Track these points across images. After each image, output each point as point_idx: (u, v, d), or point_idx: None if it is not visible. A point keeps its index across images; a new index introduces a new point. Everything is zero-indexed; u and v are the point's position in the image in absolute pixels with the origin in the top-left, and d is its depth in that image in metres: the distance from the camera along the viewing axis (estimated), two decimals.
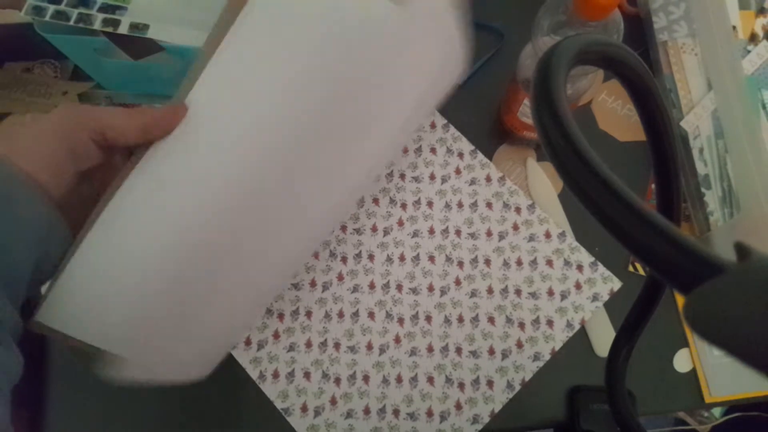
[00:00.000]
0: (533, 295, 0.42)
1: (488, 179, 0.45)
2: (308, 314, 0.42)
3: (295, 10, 0.29)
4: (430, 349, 0.41)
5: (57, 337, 0.27)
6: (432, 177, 0.45)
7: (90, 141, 0.27)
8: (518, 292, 0.42)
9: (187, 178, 0.28)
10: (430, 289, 0.42)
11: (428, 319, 0.42)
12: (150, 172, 0.28)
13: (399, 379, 0.41)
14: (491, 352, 0.41)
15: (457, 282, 0.43)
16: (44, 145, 0.25)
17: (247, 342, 0.41)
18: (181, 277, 0.29)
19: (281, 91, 0.29)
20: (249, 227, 0.30)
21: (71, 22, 0.38)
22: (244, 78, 0.29)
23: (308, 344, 0.41)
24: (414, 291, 0.42)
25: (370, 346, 0.41)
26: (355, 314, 0.42)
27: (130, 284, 0.28)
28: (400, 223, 0.44)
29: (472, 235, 0.43)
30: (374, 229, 0.44)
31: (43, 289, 0.27)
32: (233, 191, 0.29)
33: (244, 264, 0.32)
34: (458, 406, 0.40)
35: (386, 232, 0.44)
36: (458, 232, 0.44)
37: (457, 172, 0.45)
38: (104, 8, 0.38)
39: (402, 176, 0.45)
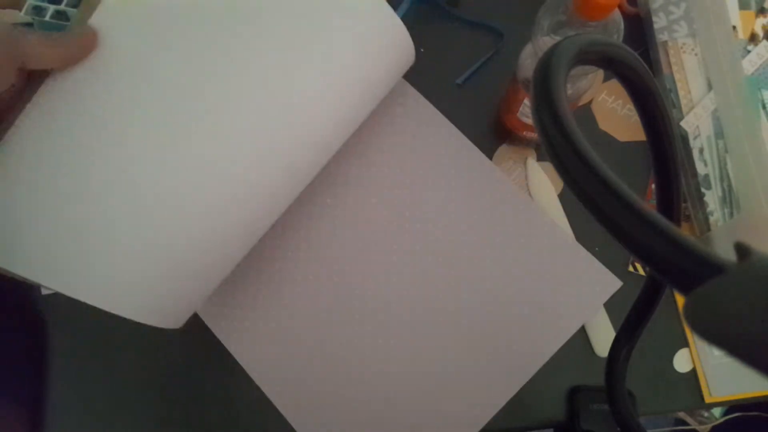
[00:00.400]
0: (533, 295, 0.42)
1: (487, 178, 0.45)
2: (306, 315, 0.42)
3: None
4: (429, 349, 0.41)
5: None
6: (431, 177, 0.45)
7: (10, 68, 0.27)
8: (518, 291, 0.42)
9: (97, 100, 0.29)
10: (429, 287, 0.42)
11: (427, 318, 0.42)
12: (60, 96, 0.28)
13: (398, 379, 0.41)
14: (490, 351, 0.41)
15: (456, 281, 0.42)
16: None
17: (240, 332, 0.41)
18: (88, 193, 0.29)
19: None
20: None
21: (71, 22, 0.38)
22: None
23: (307, 350, 0.41)
24: (411, 291, 0.42)
25: (368, 345, 0.41)
26: (354, 313, 0.42)
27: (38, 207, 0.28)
28: (398, 221, 0.44)
29: (472, 235, 0.43)
30: (370, 227, 0.44)
31: None
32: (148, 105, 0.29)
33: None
34: (458, 406, 0.40)
35: (384, 232, 0.44)
36: (457, 231, 0.43)
37: (457, 171, 0.45)
38: None
39: (400, 176, 0.45)
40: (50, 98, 0.29)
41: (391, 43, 0.36)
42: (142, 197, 0.29)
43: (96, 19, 0.29)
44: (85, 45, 0.29)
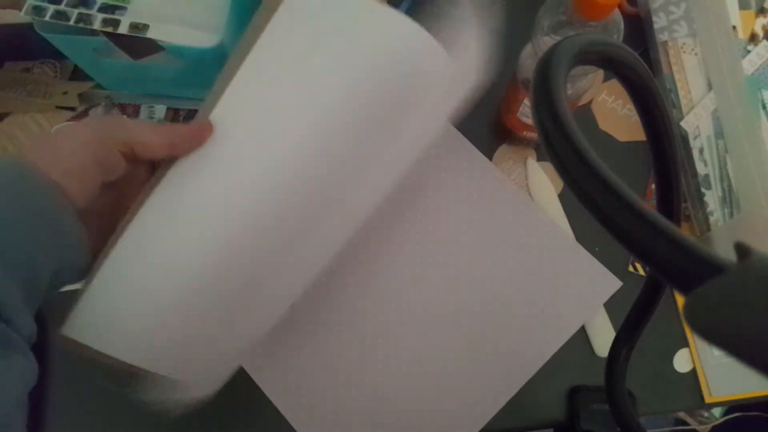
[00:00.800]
0: (533, 295, 0.42)
1: (488, 179, 0.45)
2: (306, 315, 0.42)
3: (335, 22, 0.29)
4: (429, 349, 0.41)
5: (82, 351, 0.27)
6: (431, 176, 0.45)
7: (118, 154, 0.27)
8: (518, 291, 0.42)
9: (212, 193, 0.29)
10: (429, 287, 0.42)
11: (426, 318, 0.42)
12: (176, 186, 0.28)
13: (398, 379, 0.41)
14: (491, 351, 0.41)
15: (456, 281, 0.42)
16: (75, 157, 0.26)
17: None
18: (208, 290, 0.29)
19: (309, 113, 0.29)
20: (270, 243, 0.30)
21: (71, 22, 0.38)
22: (270, 96, 0.29)
23: (309, 352, 0.42)
24: (412, 291, 0.42)
25: (368, 345, 0.41)
26: (354, 313, 0.42)
27: (156, 298, 0.28)
28: (399, 223, 0.44)
29: (472, 235, 0.43)
30: (370, 227, 0.44)
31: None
32: (257, 209, 0.29)
33: (268, 277, 0.32)
34: (458, 407, 0.40)
35: (384, 232, 0.44)
36: (458, 232, 0.43)
37: (457, 171, 0.45)
38: (104, 8, 0.38)
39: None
40: (164, 186, 0.29)
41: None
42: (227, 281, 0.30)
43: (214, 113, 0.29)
44: (194, 136, 0.29)
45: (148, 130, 0.28)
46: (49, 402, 0.41)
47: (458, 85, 0.35)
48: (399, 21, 0.32)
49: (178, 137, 0.28)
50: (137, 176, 0.30)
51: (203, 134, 0.29)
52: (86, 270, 0.28)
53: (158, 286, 0.28)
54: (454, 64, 0.34)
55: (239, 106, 0.29)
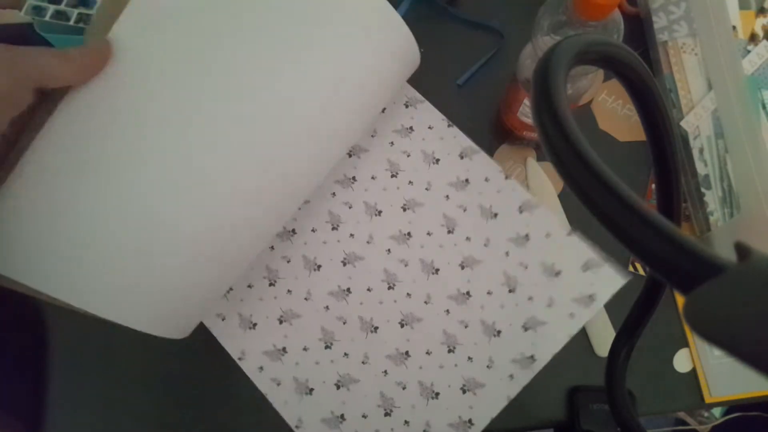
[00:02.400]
0: (535, 293, 0.42)
1: (489, 177, 0.45)
2: (305, 313, 0.42)
3: None
4: (428, 350, 0.41)
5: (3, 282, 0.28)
6: (431, 176, 0.45)
7: (26, 88, 0.27)
8: (519, 290, 0.42)
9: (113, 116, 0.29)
10: (429, 287, 0.42)
11: (427, 318, 0.42)
12: (79, 113, 0.28)
13: (398, 380, 0.41)
14: (489, 352, 0.41)
15: (457, 281, 0.42)
16: None
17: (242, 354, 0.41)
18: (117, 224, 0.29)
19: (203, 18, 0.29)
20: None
21: (71, 22, 0.38)
22: (166, 11, 0.29)
23: (305, 348, 0.42)
24: (412, 290, 0.42)
25: (366, 344, 0.41)
26: (353, 311, 0.42)
27: (64, 226, 0.28)
28: (399, 222, 0.44)
29: (472, 234, 0.43)
30: (370, 228, 0.44)
31: None
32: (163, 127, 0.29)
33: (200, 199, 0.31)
34: (458, 407, 0.40)
35: (385, 231, 0.44)
36: (458, 231, 0.43)
37: (457, 170, 0.45)
38: None
39: (401, 176, 0.45)
40: (65, 115, 0.29)
41: (397, 46, 0.36)
42: (151, 211, 0.30)
43: (113, 31, 0.29)
44: (101, 58, 0.29)
45: (56, 61, 0.27)
46: (49, 402, 0.41)
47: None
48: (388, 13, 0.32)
49: (83, 64, 0.28)
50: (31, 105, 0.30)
51: (105, 58, 0.29)
52: None
53: (73, 215, 0.28)
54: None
55: (136, 26, 0.29)
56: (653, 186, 0.46)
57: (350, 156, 0.45)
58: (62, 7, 0.38)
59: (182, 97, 0.30)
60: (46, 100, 0.29)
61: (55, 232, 0.28)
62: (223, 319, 0.42)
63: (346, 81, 0.34)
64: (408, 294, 0.42)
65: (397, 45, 0.36)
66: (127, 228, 0.29)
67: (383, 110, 0.45)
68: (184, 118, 0.30)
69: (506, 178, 0.45)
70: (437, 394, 0.40)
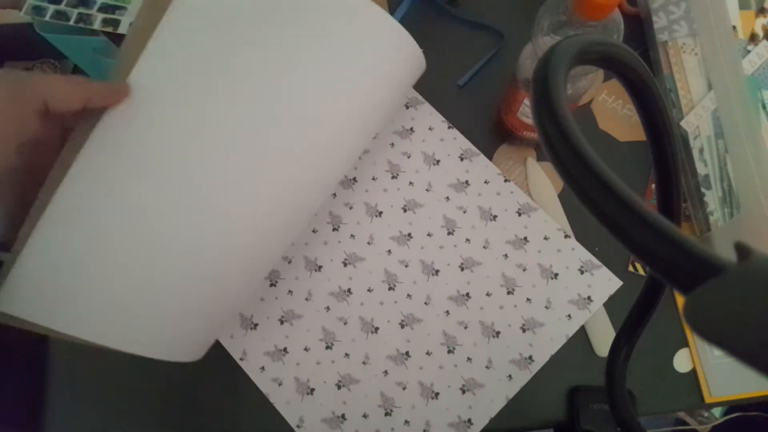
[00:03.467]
0: (533, 295, 0.42)
1: (488, 179, 0.45)
2: (306, 312, 0.42)
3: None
4: (428, 350, 0.41)
5: (18, 324, 0.27)
6: (431, 177, 0.45)
7: (32, 112, 0.26)
8: (517, 291, 0.42)
9: (147, 160, 0.29)
10: (430, 289, 0.42)
11: (427, 319, 0.42)
12: (106, 150, 0.28)
13: (398, 380, 0.41)
14: (489, 352, 0.41)
15: (457, 282, 0.42)
16: None
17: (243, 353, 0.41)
18: (149, 260, 0.29)
19: (221, 62, 0.29)
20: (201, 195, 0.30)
21: (71, 22, 0.38)
22: (185, 59, 0.29)
23: (306, 348, 0.42)
24: (412, 291, 0.42)
25: (367, 344, 0.41)
26: (354, 311, 0.42)
27: (92, 266, 0.28)
28: (400, 223, 0.44)
29: (472, 235, 0.43)
30: (371, 230, 0.44)
31: None
32: (183, 171, 0.29)
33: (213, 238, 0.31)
34: (458, 407, 0.40)
35: (385, 233, 0.44)
36: (457, 232, 0.44)
37: (457, 172, 0.45)
38: (104, 8, 0.39)
39: (401, 177, 0.45)
40: (90, 151, 0.29)
41: (402, 56, 0.36)
42: (163, 245, 0.29)
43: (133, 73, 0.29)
44: (110, 93, 0.28)
45: (61, 82, 0.27)
46: (49, 402, 0.41)
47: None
48: (385, 21, 0.32)
49: (92, 91, 0.28)
50: (51, 136, 0.29)
51: (120, 94, 0.28)
52: (6, 234, 0.27)
53: (96, 255, 0.28)
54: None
55: (157, 72, 0.29)
56: (653, 186, 0.46)
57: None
58: (62, 7, 0.38)
59: (203, 126, 0.30)
60: (72, 140, 0.29)
61: (62, 270, 0.28)
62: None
63: (357, 93, 0.34)
64: (408, 295, 0.42)
65: (403, 56, 0.36)
66: (138, 261, 0.29)
67: None
68: (206, 142, 0.30)
69: (505, 180, 0.45)
70: (437, 394, 0.40)
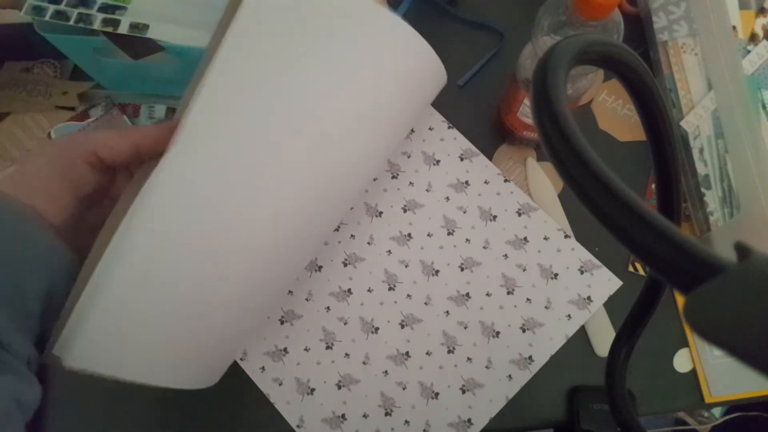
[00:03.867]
0: (532, 295, 0.42)
1: (488, 179, 0.45)
2: (309, 325, 0.42)
3: (299, 17, 0.30)
4: (428, 351, 0.41)
5: (77, 372, 0.27)
6: (432, 177, 0.45)
7: (83, 164, 0.27)
8: (517, 292, 0.42)
9: (190, 200, 0.28)
10: (430, 289, 0.42)
11: (427, 319, 0.42)
12: (154, 197, 0.28)
13: (398, 380, 0.41)
14: (489, 352, 0.41)
15: (457, 282, 0.42)
16: (39, 173, 0.26)
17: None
18: (194, 298, 0.29)
19: (282, 113, 0.29)
20: (253, 243, 0.30)
21: (71, 22, 0.38)
22: (240, 99, 0.29)
23: (306, 348, 0.42)
24: (412, 291, 0.42)
25: (367, 344, 0.41)
26: (354, 311, 0.42)
27: (144, 312, 0.28)
28: (400, 223, 0.44)
29: (472, 235, 0.43)
30: (370, 231, 0.44)
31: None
32: (234, 208, 0.29)
33: (256, 276, 0.32)
34: (457, 407, 0.40)
35: (385, 233, 0.44)
36: (457, 233, 0.44)
37: (457, 172, 0.45)
38: (104, 8, 0.38)
39: (401, 177, 0.45)
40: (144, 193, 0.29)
41: (425, 71, 0.36)
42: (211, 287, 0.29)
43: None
44: (159, 135, 0.28)
45: (110, 134, 0.28)
46: (49, 402, 0.41)
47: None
48: (396, 24, 0.32)
49: (141, 136, 0.28)
50: (117, 190, 0.30)
51: (167, 133, 0.28)
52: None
53: (146, 301, 0.28)
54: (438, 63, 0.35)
55: (209, 108, 0.29)
56: (653, 186, 0.46)
57: None
58: (62, 7, 0.38)
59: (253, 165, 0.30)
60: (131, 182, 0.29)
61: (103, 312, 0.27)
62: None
63: (381, 106, 0.34)
64: (408, 295, 0.42)
65: (427, 71, 0.36)
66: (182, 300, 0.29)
67: None
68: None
69: (505, 180, 0.45)
70: (437, 394, 0.40)
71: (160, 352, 0.29)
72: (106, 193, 0.30)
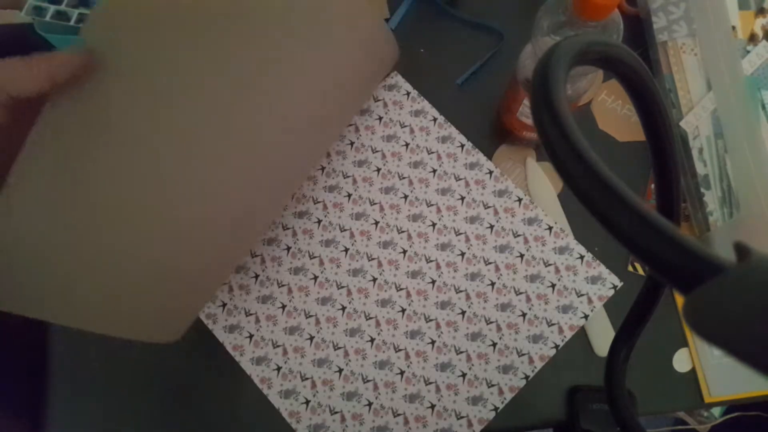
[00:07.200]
0: (532, 295, 0.42)
1: (487, 179, 0.45)
2: (313, 321, 0.42)
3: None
4: (428, 351, 0.41)
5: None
6: (431, 176, 0.45)
7: None
8: (517, 292, 0.42)
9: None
10: (428, 288, 0.42)
11: (427, 319, 0.42)
12: (61, 130, 0.27)
13: (398, 379, 0.41)
14: (490, 352, 0.41)
15: (456, 281, 0.43)
16: None
17: (239, 348, 0.42)
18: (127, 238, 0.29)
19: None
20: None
21: (71, 22, 0.38)
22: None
23: (307, 347, 0.42)
24: (412, 290, 0.42)
25: (368, 344, 0.41)
26: (352, 317, 0.42)
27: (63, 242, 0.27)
28: (399, 222, 0.44)
29: (471, 234, 0.43)
30: (373, 227, 0.44)
31: None
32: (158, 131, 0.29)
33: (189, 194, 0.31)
34: (458, 407, 0.40)
35: (385, 233, 0.44)
36: (456, 231, 0.44)
37: (456, 171, 0.45)
38: None
39: (401, 176, 0.45)
40: (50, 124, 0.28)
41: (373, 43, 0.36)
42: (135, 216, 0.29)
43: (94, 38, 0.29)
44: (72, 61, 0.26)
45: (19, 66, 0.25)
46: (49, 402, 0.41)
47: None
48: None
49: (54, 66, 0.25)
50: (25, 119, 0.28)
51: (83, 62, 0.27)
52: None
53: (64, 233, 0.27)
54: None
55: (122, 34, 0.28)
56: (653, 186, 0.46)
57: (345, 156, 0.45)
58: (62, 7, 0.38)
59: (181, 97, 0.30)
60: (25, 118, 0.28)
61: (31, 249, 0.27)
62: (223, 318, 0.42)
63: (323, 75, 0.34)
64: (408, 295, 0.42)
65: (373, 42, 0.36)
66: (111, 235, 0.29)
67: (385, 110, 0.46)
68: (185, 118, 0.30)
69: (505, 180, 0.45)
70: (437, 391, 0.40)
71: (94, 290, 0.28)
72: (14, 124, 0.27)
